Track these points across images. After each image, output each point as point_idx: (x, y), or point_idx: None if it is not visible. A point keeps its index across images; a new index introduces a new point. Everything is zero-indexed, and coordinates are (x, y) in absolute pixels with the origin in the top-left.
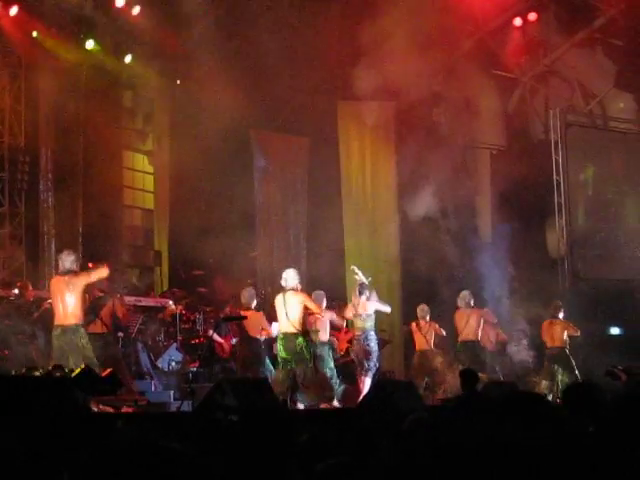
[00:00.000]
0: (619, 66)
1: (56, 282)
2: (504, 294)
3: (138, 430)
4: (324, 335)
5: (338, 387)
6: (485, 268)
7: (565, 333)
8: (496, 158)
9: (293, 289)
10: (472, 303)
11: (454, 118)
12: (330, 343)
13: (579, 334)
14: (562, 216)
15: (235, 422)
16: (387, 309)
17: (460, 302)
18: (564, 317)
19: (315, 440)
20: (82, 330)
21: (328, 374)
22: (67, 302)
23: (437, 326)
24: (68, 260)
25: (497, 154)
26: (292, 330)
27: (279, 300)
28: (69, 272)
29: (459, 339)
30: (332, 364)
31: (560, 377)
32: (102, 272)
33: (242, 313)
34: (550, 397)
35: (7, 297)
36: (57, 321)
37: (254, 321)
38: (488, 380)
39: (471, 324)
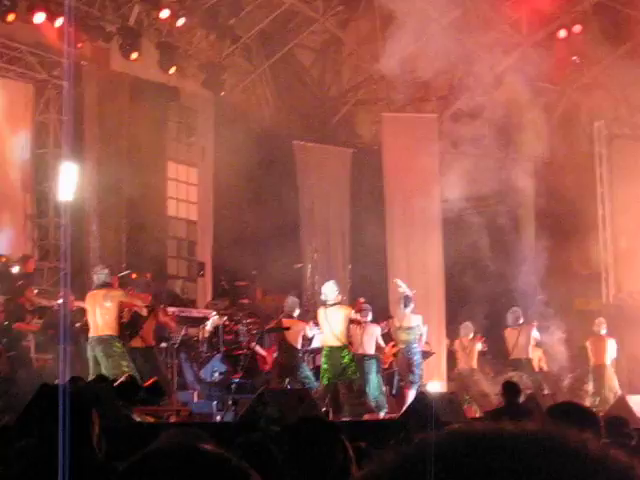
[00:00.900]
0: None
1: (92, 296)
2: (545, 309)
3: (181, 435)
4: (369, 348)
5: (384, 400)
6: (528, 282)
7: (608, 349)
8: (540, 170)
9: (337, 302)
10: (521, 321)
11: (498, 130)
12: (376, 356)
13: (615, 355)
14: (606, 229)
15: (277, 433)
16: (424, 333)
17: (510, 319)
18: (607, 333)
19: (358, 450)
20: (117, 341)
21: (372, 389)
22: (103, 314)
23: (480, 344)
24: (103, 274)
25: (541, 166)
26: (337, 344)
27: (321, 314)
28: (105, 285)
29: (510, 357)
30: (378, 378)
31: (604, 393)
32: (139, 304)
33: (284, 321)
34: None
35: (51, 307)
36: (92, 333)
37: (295, 330)
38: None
39: (521, 342)
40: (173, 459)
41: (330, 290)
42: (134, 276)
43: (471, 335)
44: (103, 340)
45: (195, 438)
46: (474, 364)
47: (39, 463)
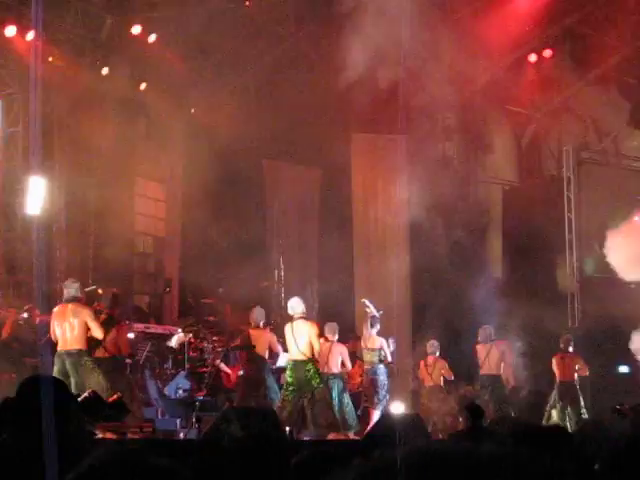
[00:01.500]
0: (633, 104)
1: (60, 310)
2: (513, 330)
3: (121, 446)
4: (335, 367)
5: (353, 419)
6: (495, 303)
7: (576, 367)
8: (508, 194)
9: (302, 317)
10: (492, 337)
11: (467, 153)
12: (340, 375)
13: (587, 374)
14: (573, 253)
15: (240, 451)
16: (389, 356)
17: (481, 336)
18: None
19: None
20: (87, 355)
21: (336, 406)
22: (71, 328)
23: (446, 366)
24: (73, 287)
25: (509, 190)
26: (301, 358)
27: (288, 329)
28: (74, 299)
29: (480, 372)
30: (344, 397)
31: (568, 411)
32: (98, 334)
33: (251, 332)
34: None
35: (16, 320)
36: (60, 347)
37: (261, 340)
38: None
39: (492, 358)
40: (120, 471)
41: (297, 303)
42: (100, 291)
43: (437, 353)
44: (72, 354)
45: (138, 452)
46: (440, 382)
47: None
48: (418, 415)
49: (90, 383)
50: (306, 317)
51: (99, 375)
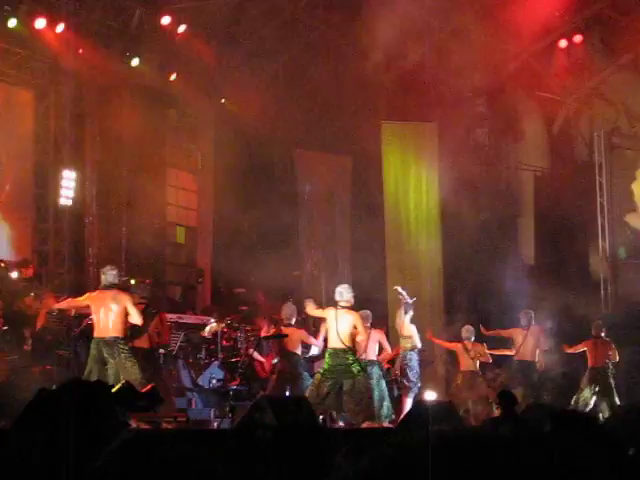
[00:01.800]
0: None
1: (98, 296)
2: (546, 316)
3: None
4: (372, 354)
5: (388, 408)
6: (526, 288)
7: (609, 353)
8: (540, 180)
9: (347, 307)
10: (532, 322)
11: (498, 139)
12: (378, 362)
13: (617, 359)
14: (605, 238)
15: (274, 441)
16: (419, 343)
17: (523, 320)
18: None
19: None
20: (123, 343)
21: (375, 393)
22: (109, 315)
23: (484, 351)
24: (111, 274)
25: (541, 176)
26: (341, 346)
27: (331, 314)
28: (112, 286)
29: (515, 357)
30: (381, 383)
31: (600, 397)
32: (137, 320)
33: (282, 329)
34: None
35: (50, 312)
36: (97, 334)
37: (294, 337)
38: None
39: (528, 344)
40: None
41: (346, 290)
42: (133, 282)
43: (472, 338)
44: (109, 342)
45: (164, 439)
46: (476, 367)
47: (38, 466)
48: (451, 402)
49: (126, 373)
50: (351, 306)
51: (134, 365)
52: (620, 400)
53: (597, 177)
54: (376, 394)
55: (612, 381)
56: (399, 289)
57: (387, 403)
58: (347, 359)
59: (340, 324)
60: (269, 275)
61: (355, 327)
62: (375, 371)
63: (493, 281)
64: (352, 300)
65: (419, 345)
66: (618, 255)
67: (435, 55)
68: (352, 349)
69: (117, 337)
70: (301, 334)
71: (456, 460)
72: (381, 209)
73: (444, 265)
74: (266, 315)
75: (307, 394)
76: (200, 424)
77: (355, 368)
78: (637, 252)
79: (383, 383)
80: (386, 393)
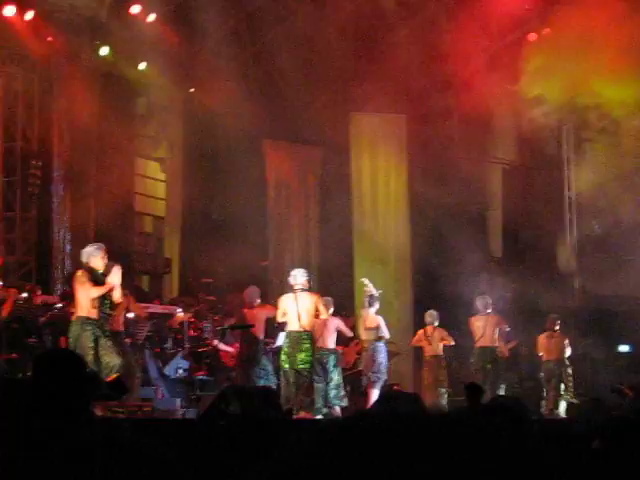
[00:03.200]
0: (636, 82)
1: (75, 275)
2: (512, 309)
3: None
4: (330, 342)
5: (339, 397)
6: (494, 282)
7: (562, 347)
8: (508, 173)
9: (305, 289)
10: (489, 310)
11: (467, 132)
12: (336, 351)
13: (570, 353)
14: (573, 232)
15: (238, 431)
16: (386, 334)
17: (479, 306)
18: (561, 331)
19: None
20: (92, 325)
21: (331, 380)
22: (78, 296)
23: (445, 333)
24: (84, 253)
25: (509, 169)
26: (300, 329)
27: (289, 299)
28: (85, 265)
29: (476, 345)
30: (335, 371)
31: (554, 391)
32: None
33: (246, 312)
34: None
35: (16, 300)
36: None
37: (257, 318)
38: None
39: (488, 330)
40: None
41: (300, 274)
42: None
43: (436, 323)
44: (78, 321)
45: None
46: (440, 351)
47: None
48: (417, 394)
49: (96, 354)
50: (308, 288)
51: (110, 346)
52: (582, 393)
53: (565, 171)
54: (331, 381)
55: (567, 375)
56: (365, 281)
57: (340, 391)
58: (304, 342)
59: (300, 305)
60: (238, 265)
61: (316, 309)
62: (331, 359)
63: (461, 273)
64: (307, 284)
65: (387, 336)
66: (585, 250)
67: (404, 47)
68: (310, 334)
69: (86, 317)
70: (265, 313)
71: (419, 451)
72: (350, 200)
73: (412, 256)
74: (230, 306)
75: (282, 389)
76: (166, 414)
77: (307, 355)
78: (604, 246)
79: (337, 371)
80: (340, 381)
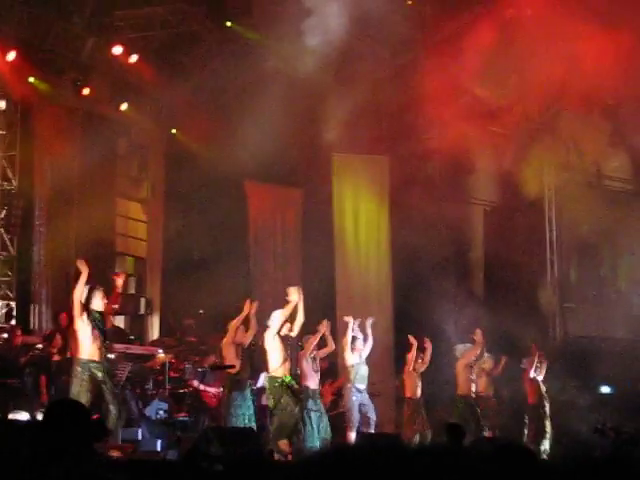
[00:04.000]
0: (614, 125)
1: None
2: (495, 350)
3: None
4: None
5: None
6: (477, 324)
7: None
8: (489, 214)
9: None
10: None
11: (448, 173)
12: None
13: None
14: (554, 273)
15: (219, 472)
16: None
17: (458, 354)
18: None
19: None
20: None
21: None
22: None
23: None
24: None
25: (491, 210)
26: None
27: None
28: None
29: (457, 392)
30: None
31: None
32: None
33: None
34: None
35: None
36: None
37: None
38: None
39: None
40: None
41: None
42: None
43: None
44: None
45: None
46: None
47: None
48: (398, 435)
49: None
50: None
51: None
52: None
53: (547, 212)
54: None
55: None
56: (350, 320)
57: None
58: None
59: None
60: (218, 305)
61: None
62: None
63: (442, 316)
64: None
65: (364, 375)
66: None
67: (386, 88)
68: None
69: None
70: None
71: None
72: (331, 240)
73: (393, 299)
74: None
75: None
76: (147, 455)
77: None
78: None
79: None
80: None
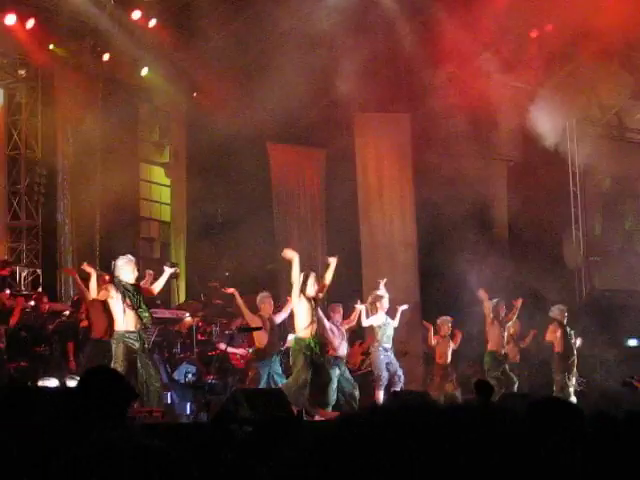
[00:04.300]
0: (636, 77)
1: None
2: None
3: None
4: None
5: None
6: (502, 280)
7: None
8: (513, 170)
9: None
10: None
11: (471, 130)
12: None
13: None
14: (579, 227)
15: (249, 433)
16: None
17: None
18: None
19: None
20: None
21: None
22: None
23: (458, 338)
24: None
25: (514, 166)
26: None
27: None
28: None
29: (488, 348)
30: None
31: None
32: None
33: (257, 316)
34: None
35: (24, 309)
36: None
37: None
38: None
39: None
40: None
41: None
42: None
43: (446, 327)
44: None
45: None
46: (447, 359)
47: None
48: (426, 392)
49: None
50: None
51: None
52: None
53: (570, 166)
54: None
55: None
56: (381, 282)
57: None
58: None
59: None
60: (244, 268)
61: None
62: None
63: (467, 272)
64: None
65: (392, 333)
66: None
67: (406, 46)
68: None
69: None
70: (279, 315)
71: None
72: (355, 200)
73: (419, 255)
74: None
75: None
76: (176, 418)
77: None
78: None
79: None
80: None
